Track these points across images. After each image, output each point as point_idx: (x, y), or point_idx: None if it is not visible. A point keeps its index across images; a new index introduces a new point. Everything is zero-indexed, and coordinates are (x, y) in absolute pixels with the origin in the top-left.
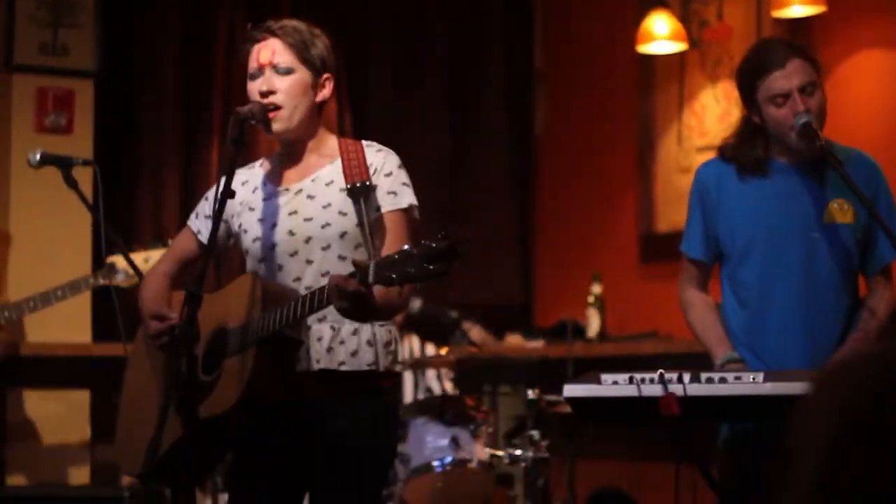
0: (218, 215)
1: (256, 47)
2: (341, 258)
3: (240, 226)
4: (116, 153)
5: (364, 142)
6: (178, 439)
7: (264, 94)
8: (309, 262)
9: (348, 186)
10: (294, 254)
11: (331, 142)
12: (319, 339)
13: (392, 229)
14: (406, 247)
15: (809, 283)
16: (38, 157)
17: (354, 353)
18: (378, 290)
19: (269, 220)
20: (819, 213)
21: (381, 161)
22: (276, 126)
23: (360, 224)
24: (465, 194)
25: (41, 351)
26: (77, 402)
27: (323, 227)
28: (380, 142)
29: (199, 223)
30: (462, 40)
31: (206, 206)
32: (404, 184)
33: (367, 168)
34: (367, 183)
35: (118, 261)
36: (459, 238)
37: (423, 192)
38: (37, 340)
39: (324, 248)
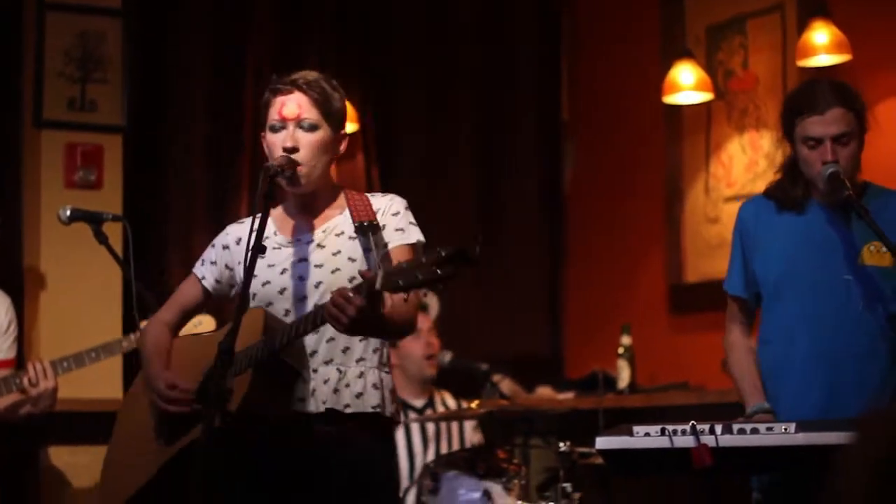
0: (249, 271)
1: (280, 99)
2: None
3: None
4: (145, 208)
5: (368, 193)
6: (160, 469)
7: (288, 150)
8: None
9: (356, 224)
10: (303, 298)
11: (339, 194)
12: (326, 382)
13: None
14: (417, 255)
15: (838, 328)
16: (68, 213)
17: (359, 396)
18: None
19: (280, 267)
20: (853, 255)
21: (388, 203)
22: (299, 181)
23: (368, 251)
24: (493, 247)
25: (73, 407)
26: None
27: (333, 272)
28: (408, 196)
29: (205, 269)
30: (491, 95)
31: (212, 252)
32: (411, 223)
33: (374, 211)
34: (375, 222)
35: None
36: (471, 242)
37: (452, 244)
38: (68, 396)
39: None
